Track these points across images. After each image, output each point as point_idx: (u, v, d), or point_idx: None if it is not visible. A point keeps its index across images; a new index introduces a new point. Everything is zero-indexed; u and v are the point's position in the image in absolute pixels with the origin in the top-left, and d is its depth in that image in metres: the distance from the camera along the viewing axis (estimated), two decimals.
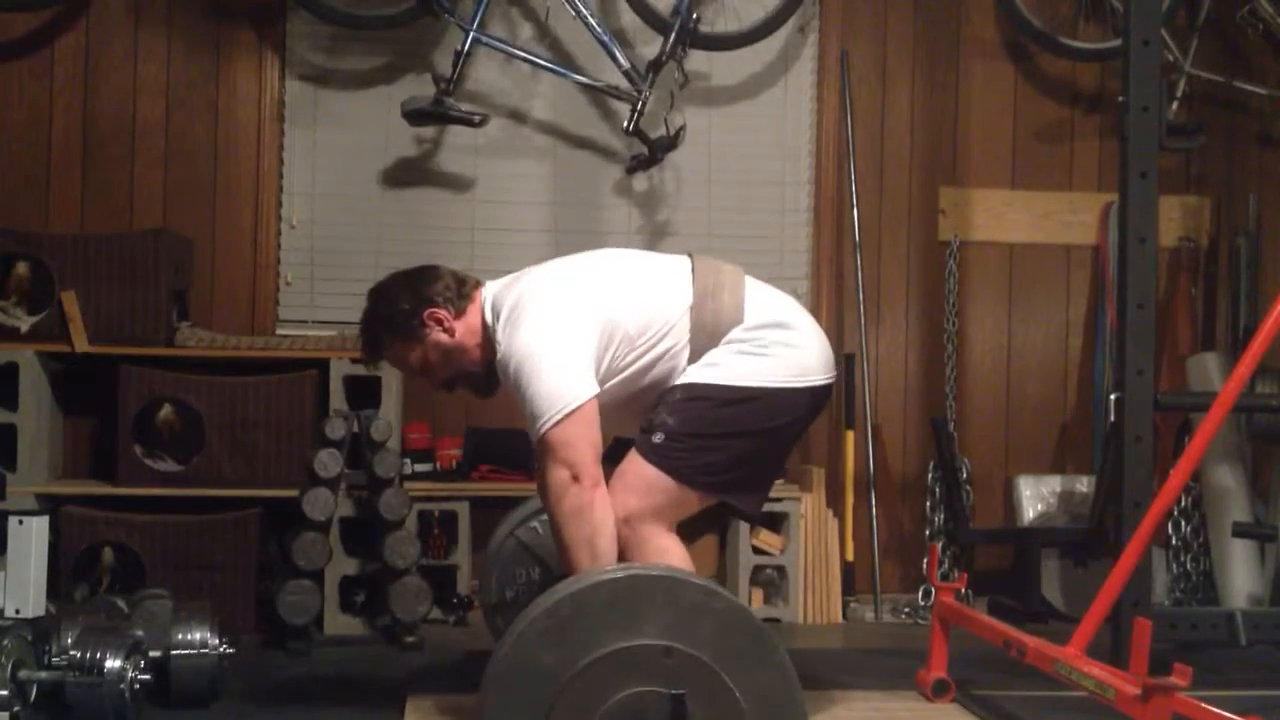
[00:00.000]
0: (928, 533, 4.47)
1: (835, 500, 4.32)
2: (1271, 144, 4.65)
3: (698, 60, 4.35)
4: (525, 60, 4.24)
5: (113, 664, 2.53)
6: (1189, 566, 4.41)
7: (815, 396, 2.66)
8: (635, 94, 4.14)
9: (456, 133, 4.33)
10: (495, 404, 4.28)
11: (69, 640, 2.61)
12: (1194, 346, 4.58)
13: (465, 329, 2.70)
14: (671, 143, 4.19)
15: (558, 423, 2.43)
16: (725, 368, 2.57)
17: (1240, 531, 4.00)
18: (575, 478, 2.42)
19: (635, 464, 2.53)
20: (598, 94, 4.33)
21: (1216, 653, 3.43)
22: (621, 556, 2.48)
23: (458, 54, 4.06)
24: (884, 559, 4.40)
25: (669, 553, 2.51)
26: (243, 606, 3.73)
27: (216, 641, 2.85)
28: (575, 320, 2.53)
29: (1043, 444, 4.63)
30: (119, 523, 3.74)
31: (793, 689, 1.98)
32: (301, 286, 4.34)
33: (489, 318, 2.67)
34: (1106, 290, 4.50)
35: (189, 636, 2.83)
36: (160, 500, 3.80)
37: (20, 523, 2.54)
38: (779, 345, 2.60)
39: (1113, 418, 3.31)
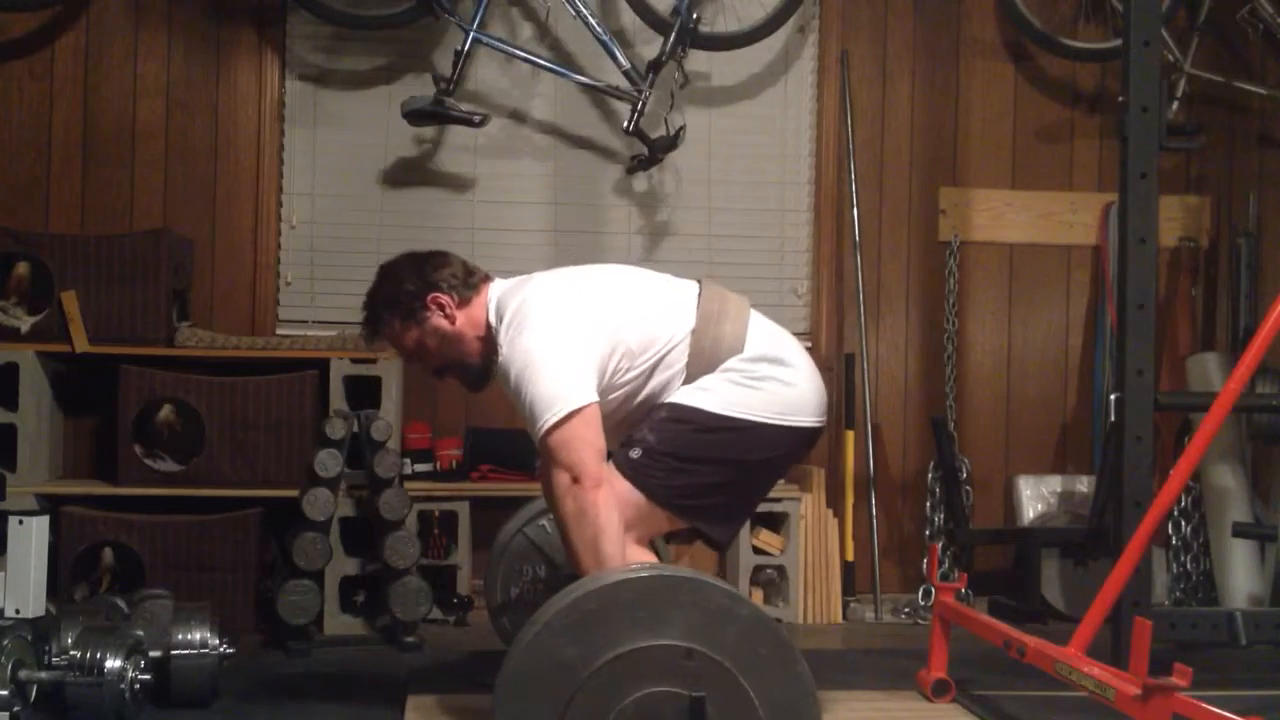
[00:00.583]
0: (928, 533, 4.47)
1: (835, 500, 4.32)
2: (1271, 144, 4.65)
3: (698, 60, 4.36)
4: (525, 60, 4.24)
5: (113, 664, 2.53)
6: (1189, 566, 4.41)
7: (800, 438, 2.65)
8: (635, 94, 4.14)
9: (456, 133, 4.33)
10: (495, 404, 4.31)
11: (69, 640, 2.61)
12: (1194, 346, 4.58)
13: (467, 319, 2.70)
14: (671, 143, 4.19)
15: (556, 425, 2.43)
16: (714, 394, 2.57)
17: (1240, 531, 4.00)
18: (576, 479, 2.42)
19: (610, 476, 2.51)
20: (598, 94, 4.33)
21: (1216, 653, 3.43)
22: None
23: (458, 54, 4.06)
24: (884, 559, 4.40)
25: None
26: (243, 606, 3.73)
27: (216, 641, 2.85)
28: (579, 329, 2.53)
29: (1043, 444, 4.63)
30: (119, 523, 3.74)
31: (811, 701, 1.97)
32: (301, 286, 4.34)
33: (492, 317, 2.67)
34: (1106, 290, 4.50)
35: (189, 636, 2.83)
36: (160, 500, 3.80)
37: (20, 523, 2.54)
38: (772, 380, 2.59)
39: (1113, 418, 3.30)
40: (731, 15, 4.37)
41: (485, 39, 4.13)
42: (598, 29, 4.16)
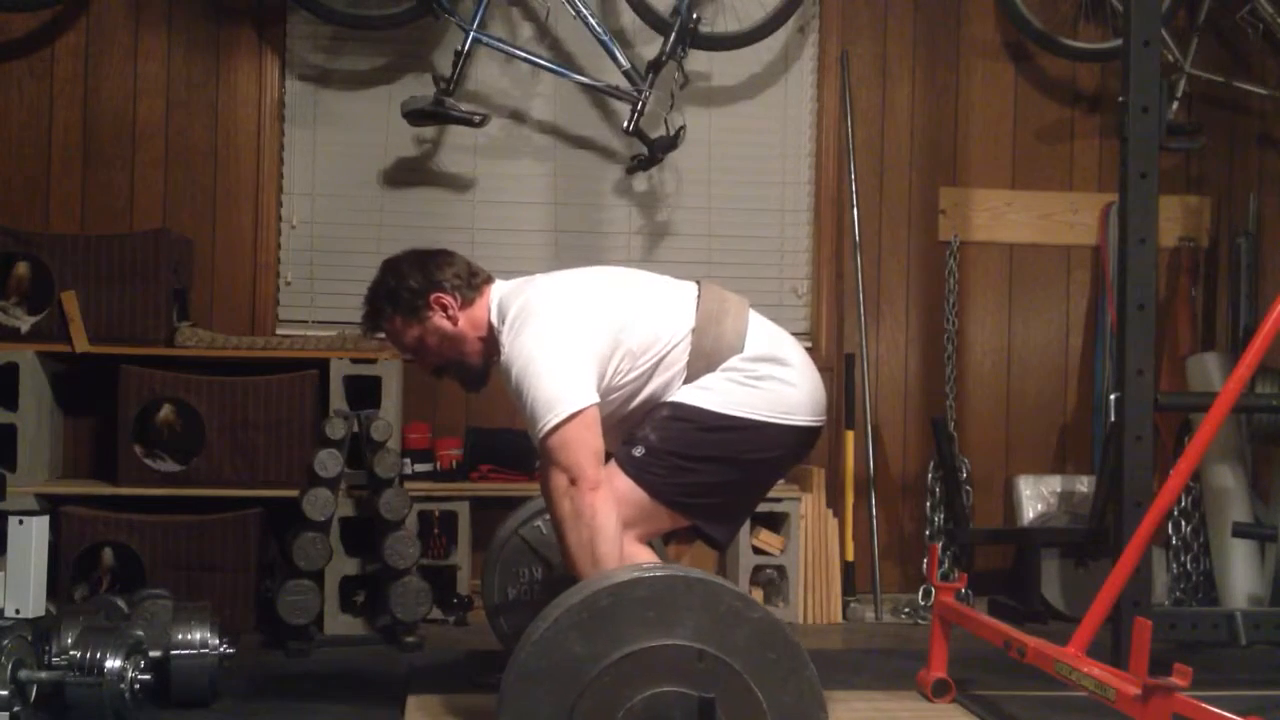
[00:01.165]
0: (928, 533, 4.47)
1: (835, 500, 4.32)
2: (1271, 144, 4.65)
3: (698, 60, 4.36)
4: (525, 60, 4.24)
5: (113, 664, 2.53)
6: (1189, 566, 4.41)
7: (800, 437, 2.65)
8: (635, 94, 4.14)
9: (456, 133, 4.33)
10: (495, 404, 4.31)
11: (69, 640, 2.61)
12: (1194, 346, 4.58)
13: (468, 320, 2.71)
14: (671, 143, 4.19)
15: (556, 426, 2.43)
16: (715, 393, 2.57)
17: (1240, 531, 4.00)
18: (574, 481, 2.42)
19: (612, 474, 2.52)
20: (598, 94, 4.33)
21: (1216, 653, 3.44)
22: None
23: (458, 54, 4.06)
24: (884, 559, 4.39)
25: (637, 560, 2.51)
26: (243, 606, 3.73)
27: (216, 641, 2.85)
28: (581, 330, 2.53)
29: (1043, 444, 4.63)
30: (119, 523, 3.74)
31: (818, 706, 1.97)
32: (301, 286, 4.34)
33: (494, 317, 2.67)
34: (1106, 290, 4.50)
35: (189, 636, 2.83)
36: (160, 500, 3.80)
37: (20, 523, 2.54)
38: (772, 380, 2.60)
39: (1113, 418, 3.31)
40: (731, 15, 4.37)
41: (485, 39, 4.13)
42: (598, 29, 4.16)
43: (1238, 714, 2.16)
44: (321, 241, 4.34)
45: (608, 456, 2.56)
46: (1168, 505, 2.78)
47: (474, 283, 2.73)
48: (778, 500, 4.10)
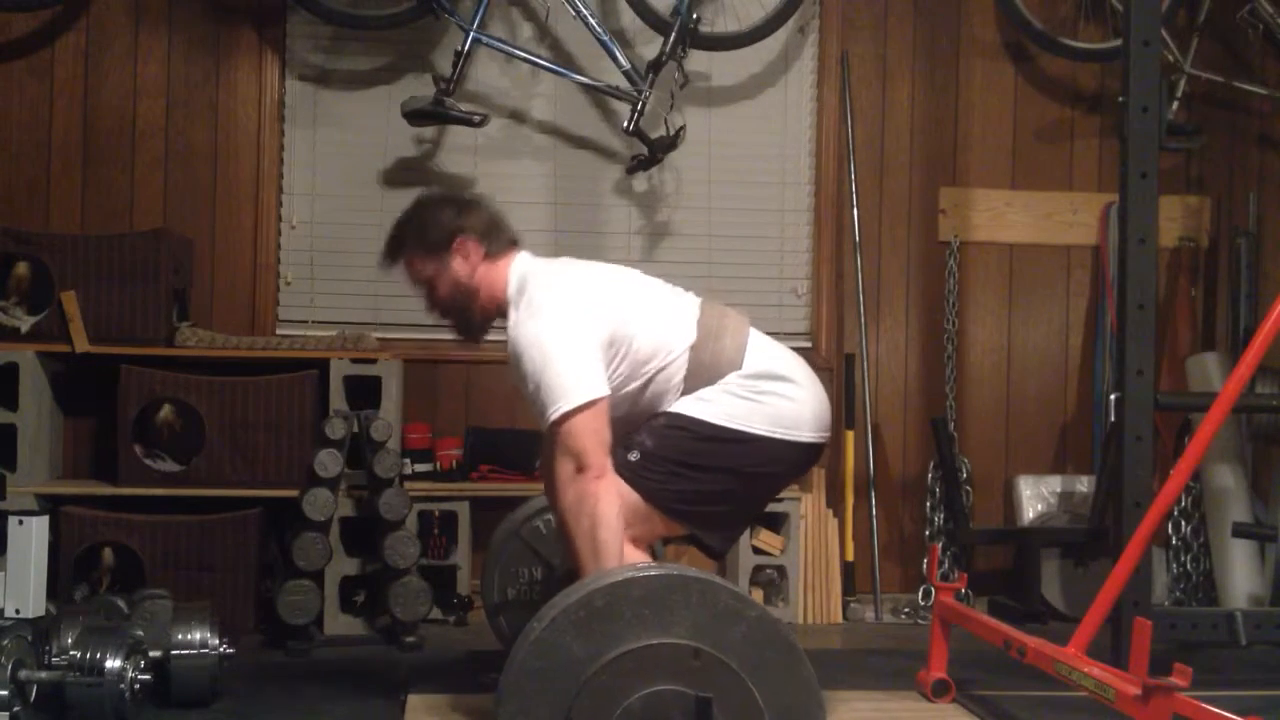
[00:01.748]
0: (928, 533, 4.47)
1: (835, 500, 4.32)
2: (1271, 144, 4.65)
3: (698, 60, 4.35)
4: (525, 60, 4.23)
5: (113, 664, 2.53)
6: (1189, 566, 4.41)
7: (801, 453, 2.65)
8: (635, 94, 4.14)
9: (456, 133, 4.33)
10: (495, 404, 4.32)
11: (69, 640, 2.61)
12: (1194, 346, 4.58)
13: (484, 275, 2.71)
14: (671, 143, 4.19)
15: (569, 413, 2.44)
16: (714, 405, 2.58)
17: (1240, 531, 4.00)
18: (581, 468, 2.43)
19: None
20: (598, 94, 4.33)
21: (1216, 653, 3.43)
22: None
23: (458, 54, 4.06)
24: (884, 559, 4.40)
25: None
26: (243, 606, 3.73)
27: (216, 641, 2.85)
28: (594, 326, 2.54)
29: (1043, 444, 4.63)
30: (119, 523, 3.73)
31: (815, 704, 1.97)
32: (301, 286, 4.34)
33: (513, 288, 2.67)
34: (1106, 290, 4.50)
35: (189, 636, 2.83)
36: (160, 500, 3.80)
37: (20, 523, 2.54)
38: (773, 395, 2.60)
39: (1113, 418, 3.31)
40: (731, 15, 4.37)
41: (485, 39, 4.12)
42: (598, 29, 4.16)
43: (1238, 714, 2.16)
44: (321, 241, 4.34)
45: None
46: (1168, 505, 2.78)
47: (501, 239, 2.74)
48: (778, 500, 4.09)
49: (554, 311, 2.55)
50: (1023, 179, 4.64)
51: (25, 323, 3.88)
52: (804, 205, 4.55)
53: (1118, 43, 3.61)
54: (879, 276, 4.56)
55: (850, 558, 4.30)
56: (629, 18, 4.32)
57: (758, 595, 4.18)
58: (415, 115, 4.08)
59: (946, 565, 4.41)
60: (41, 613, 2.57)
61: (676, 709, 1.90)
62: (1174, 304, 4.62)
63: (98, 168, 4.24)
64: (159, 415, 3.87)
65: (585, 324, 2.53)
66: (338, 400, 3.87)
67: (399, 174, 4.36)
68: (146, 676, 2.61)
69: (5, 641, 2.42)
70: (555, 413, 2.44)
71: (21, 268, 3.91)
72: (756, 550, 4.13)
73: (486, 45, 4.15)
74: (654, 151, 4.19)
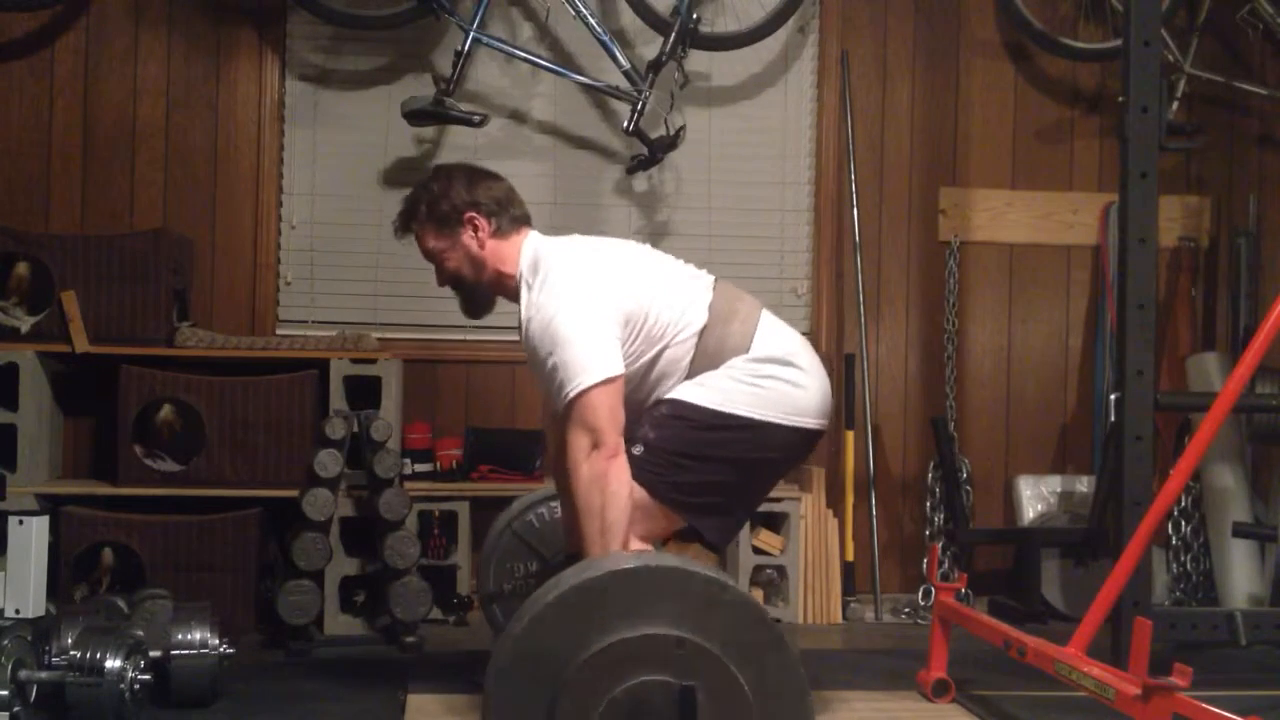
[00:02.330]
0: (928, 533, 4.47)
1: (835, 500, 4.32)
2: (1271, 144, 4.65)
3: (698, 60, 4.35)
4: (525, 60, 4.24)
5: (113, 664, 2.53)
6: (1189, 566, 4.41)
7: (801, 439, 2.66)
8: (635, 94, 4.14)
9: (456, 133, 4.33)
10: (495, 404, 4.32)
11: (69, 640, 2.61)
12: (1194, 346, 4.58)
13: (495, 251, 2.74)
14: (671, 143, 4.19)
15: (587, 388, 2.46)
16: (715, 391, 2.59)
17: (1240, 531, 4.00)
18: (596, 445, 2.45)
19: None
20: (598, 94, 4.33)
21: (1216, 653, 3.43)
22: None
23: (458, 54, 4.06)
24: (884, 559, 4.40)
25: None
26: (243, 606, 3.73)
27: (216, 641, 2.85)
28: (609, 303, 2.56)
29: (1043, 444, 4.63)
30: (119, 523, 3.73)
31: (801, 686, 1.98)
32: (301, 286, 4.34)
33: (525, 266, 2.70)
34: (1106, 290, 4.50)
35: (189, 636, 2.83)
36: (160, 500, 3.80)
37: (20, 523, 2.54)
38: (776, 381, 2.61)
39: (1113, 418, 3.31)
40: (731, 15, 4.37)
41: (485, 39, 4.13)
42: (598, 29, 4.16)
43: (1238, 714, 2.16)
44: (321, 241, 4.34)
45: None
46: (1168, 505, 2.78)
47: (512, 215, 2.77)
48: (778, 500, 4.10)
49: (571, 290, 2.57)
50: (1023, 179, 4.64)
51: (25, 323, 3.88)
52: (804, 205, 4.55)
53: (1118, 43, 3.61)
54: (879, 276, 4.56)
55: (850, 558, 4.30)
56: (629, 18, 4.32)
57: (758, 595, 4.18)
58: (415, 115, 4.09)
59: (946, 565, 4.41)
60: (41, 613, 2.57)
61: (661, 698, 1.90)
62: (1174, 304, 4.62)
63: (98, 168, 4.24)
64: (159, 415, 3.87)
65: (602, 302, 2.55)
66: (338, 400, 3.87)
67: (399, 174, 4.36)
68: (146, 676, 2.61)
69: (5, 641, 2.42)
70: (574, 390, 2.46)
71: (21, 268, 3.92)
72: (756, 550, 4.13)
73: (486, 45, 4.15)
74: (654, 151, 4.19)
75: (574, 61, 4.37)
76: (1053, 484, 4.54)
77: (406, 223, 2.82)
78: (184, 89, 4.29)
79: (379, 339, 4.08)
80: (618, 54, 4.17)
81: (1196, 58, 4.44)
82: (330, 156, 4.35)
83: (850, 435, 4.38)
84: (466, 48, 4.06)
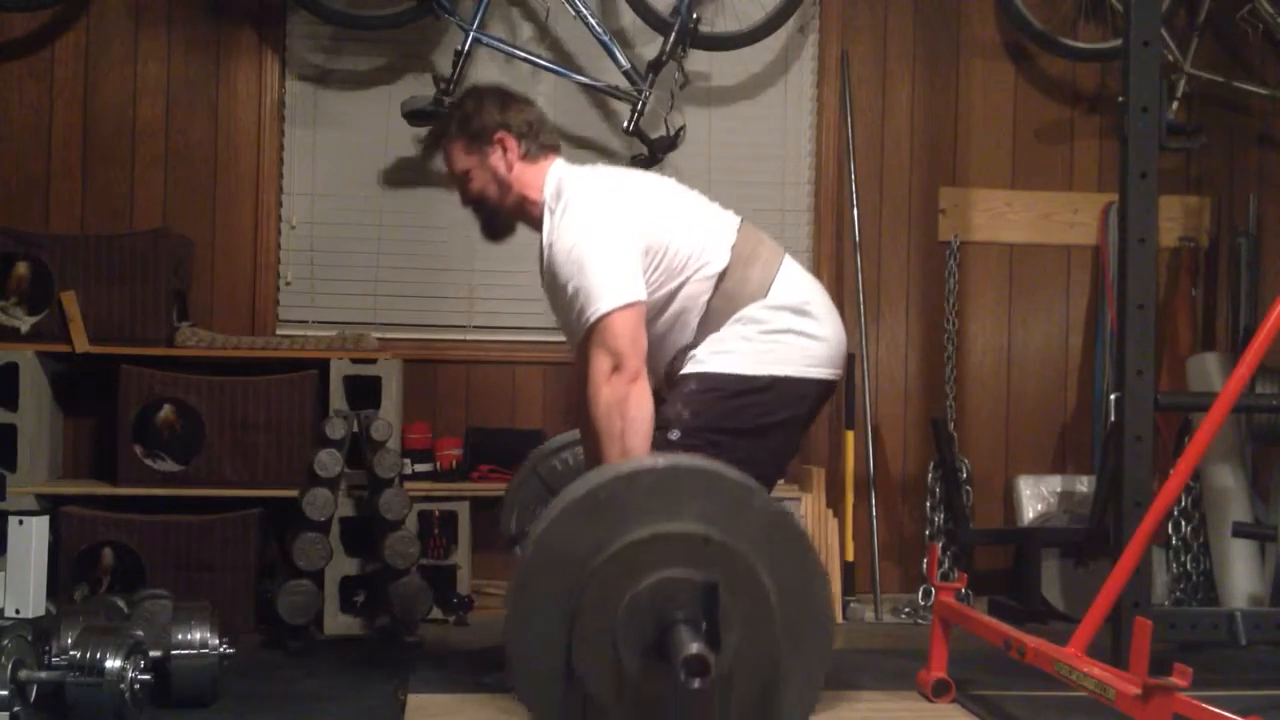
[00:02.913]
0: (928, 533, 4.47)
1: (835, 500, 4.32)
2: (1271, 144, 4.65)
3: (698, 60, 4.35)
4: (525, 60, 4.24)
5: (113, 664, 2.53)
6: (1189, 566, 4.41)
7: (817, 389, 2.69)
8: (635, 94, 4.14)
9: None
10: (495, 404, 4.31)
11: (69, 640, 2.61)
12: (1194, 346, 4.58)
13: (521, 175, 2.76)
14: (671, 143, 4.19)
15: (610, 312, 2.47)
16: (737, 355, 2.61)
17: (1240, 531, 3.99)
18: (616, 368, 2.46)
19: None
20: (598, 94, 4.33)
21: (1216, 653, 3.43)
22: None
23: (458, 54, 4.06)
24: (884, 559, 4.39)
25: None
26: (243, 606, 3.73)
27: (216, 641, 2.84)
28: (632, 229, 2.58)
29: (1043, 444, 4.63)
30: (119, 523, 3.73)
31: (824, 593, 1.96)
32: (301, 286, 4.34)
33: (549, 192, 2.72)
34: (1106, 290, 4.49)
35: (189, 636, 2.83)
36: (160, 500, 3.80)
37: (20, 523, 2.53)
38: (790, 333, 2.64)
39: (1113, 418, 3.30)
40: (731, 15, 4.37)
41: (485, 39, 4.13)
42: (598, 29, 4.16)
43: (1238, 714, 2.16)
44: (321, 241, 4.34)
45: None
46: (1168, 505, 2.78)
47: (541, 142, 2.79)
48: (778, 500, 4.09)
49: (593, 217, 2.58)
50: (1023, 179, 4.64)
51: (25, 323, 3.88)
52: (804, 205, 4.55)
53: (1118, 43, 3.61)
54: (879, 276, 4.56)
55: (850, 557, 4.29)
56: (629, 18, 4.32)
57: None
58: (415, 115, 4.09)
59: (946, 565, 4.41)
60: (41, 613, 2.57)
61: (684, 594, 1.88)
62: (1174, 304, 4.62)
63: (98, 168, 4.24)
64: (159, 415, 3.87)
65: (624, 229, 2.57)
66: (338, 400, 3.87)
67: (399, 174, 4.36)
68: (146, 676, 2.61)
69: (5, 641, 2.42)
70: (595, 313, 2.47)
71: (21, 268, 3.92)
72: None
73: (486, 45, 4.15)
74: (654, 151, 4.19)
75: (574, 61, 4.37)
76: (1053, 484, 4.54)
77: (438, 137, 2.87)
78: (184, 89, 4.29)
79: (379, 339, 4.08)
80: (618, 54, 4.17)
81: (1196, 58, 4.44)
82: (330, 156, 4.35)
83: (850, 435, 4.38)
84: (466, 48, 4.06)
